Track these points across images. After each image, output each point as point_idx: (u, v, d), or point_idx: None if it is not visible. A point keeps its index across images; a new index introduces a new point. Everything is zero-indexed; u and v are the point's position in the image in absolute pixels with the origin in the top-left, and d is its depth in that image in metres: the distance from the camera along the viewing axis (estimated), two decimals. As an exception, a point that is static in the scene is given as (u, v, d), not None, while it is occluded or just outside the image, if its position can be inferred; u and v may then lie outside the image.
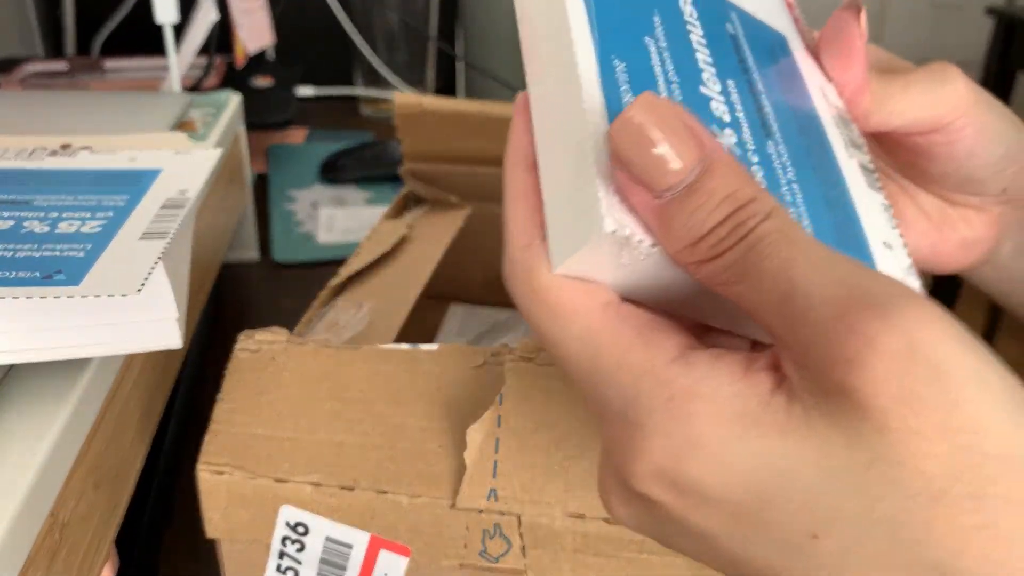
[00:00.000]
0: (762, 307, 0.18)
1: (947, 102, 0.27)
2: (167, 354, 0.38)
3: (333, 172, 0.80)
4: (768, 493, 0.17)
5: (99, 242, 0.29)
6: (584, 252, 0.19)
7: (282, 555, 0.31)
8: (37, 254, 0.28)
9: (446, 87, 1.10)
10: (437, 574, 0.31)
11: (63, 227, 0.30)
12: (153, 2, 0.60)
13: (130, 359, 0.33)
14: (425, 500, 0.29)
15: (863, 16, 0.26)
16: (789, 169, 0.23)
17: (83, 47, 1.04)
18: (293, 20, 1.00)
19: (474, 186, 0.48)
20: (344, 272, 0.43)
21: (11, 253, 0.28)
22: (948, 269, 0.30)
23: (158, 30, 0.62)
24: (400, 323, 0.37)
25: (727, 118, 0.22)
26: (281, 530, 0.31)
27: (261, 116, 0.79)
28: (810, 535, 0.17)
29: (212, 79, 0.81)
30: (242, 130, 0.61)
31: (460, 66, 1.11)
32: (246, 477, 0.30)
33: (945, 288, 1.79)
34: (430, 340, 0.50)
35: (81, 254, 0.28)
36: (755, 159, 0.22)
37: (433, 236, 0.44)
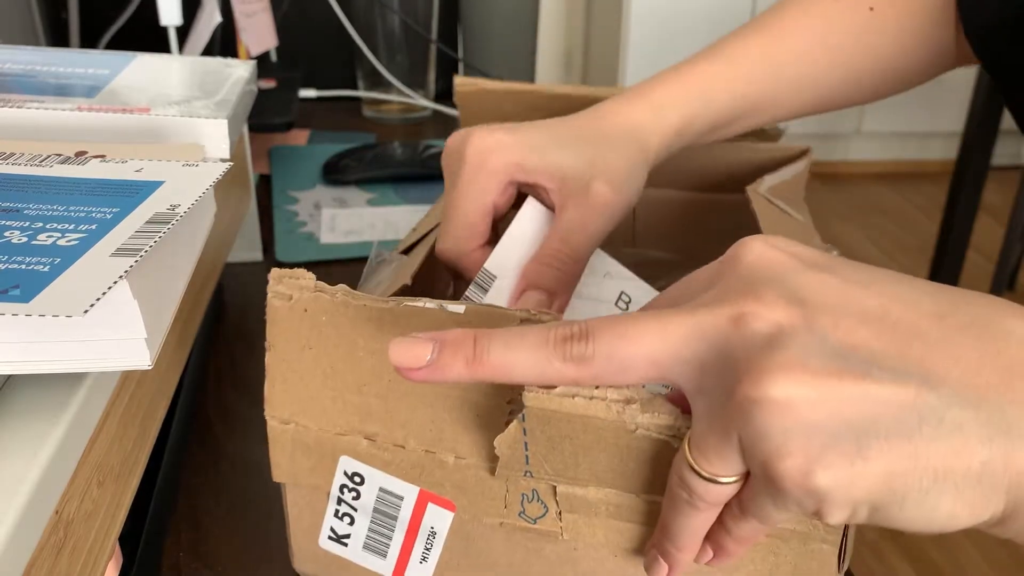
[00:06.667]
0: None
1: None
2: (171, 352, 0.38)
3: (335, 173, 0.80)
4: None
5: (69, 257, 0.28)
6: None
7: (340, 502, 0.34)
8: (2, 267, 0.27)
9: (447, 89, 1.10)
10: (479, 530, 0.33)
11: (41, 239, 0.29)
12: (157, 4, 0.60)
13: (134, 358, 0.33)
14: (469, 462, 0.31)
15: None
16: None
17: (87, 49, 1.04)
18: (296, 23, 1.01)
19: None
20: (399, 247, 0.44)
21: None
22: None
23: (162, 32, 0.62)
24: (413, 268, 0.39)
25: None
26: (340, 479, 0.33)
27: (264, 118, 0.79)
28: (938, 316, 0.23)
29: (215, 81, 0.81)
30: (245, 132, 0.61)
31: (461, 68, 1.11)
32: (308, 429, 0.33)
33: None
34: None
35: (46, 268, 0.27)
36: None
37: None
